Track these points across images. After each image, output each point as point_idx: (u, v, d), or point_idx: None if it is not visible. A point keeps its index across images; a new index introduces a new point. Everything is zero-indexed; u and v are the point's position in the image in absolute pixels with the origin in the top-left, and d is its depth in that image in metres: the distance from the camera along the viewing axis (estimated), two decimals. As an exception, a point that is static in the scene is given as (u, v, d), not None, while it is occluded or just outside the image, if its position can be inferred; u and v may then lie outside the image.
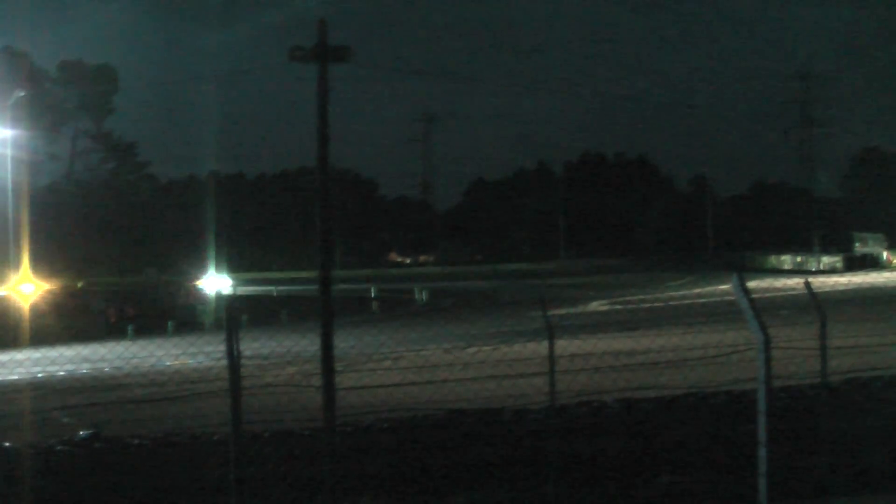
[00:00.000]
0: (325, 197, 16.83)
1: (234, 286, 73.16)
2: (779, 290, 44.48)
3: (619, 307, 52.26)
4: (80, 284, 65.69)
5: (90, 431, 16.88)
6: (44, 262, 70.57)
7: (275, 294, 73.63)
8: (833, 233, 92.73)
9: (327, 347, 16.36)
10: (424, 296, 68.98)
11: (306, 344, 20.86)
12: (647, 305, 51.18)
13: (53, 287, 54.60)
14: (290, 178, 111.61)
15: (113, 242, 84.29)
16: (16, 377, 30.89)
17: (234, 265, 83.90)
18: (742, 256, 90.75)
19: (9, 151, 58.94)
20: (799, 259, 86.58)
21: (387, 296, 70.21)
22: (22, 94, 63.28)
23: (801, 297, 18.02)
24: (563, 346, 18.74)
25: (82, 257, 76.92)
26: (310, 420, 15.71)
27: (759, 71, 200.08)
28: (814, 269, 78.09)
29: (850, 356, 19.77)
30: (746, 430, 9.21)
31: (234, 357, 8.96)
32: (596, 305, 54.85)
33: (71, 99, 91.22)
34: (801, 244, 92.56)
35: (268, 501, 10.74)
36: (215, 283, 68.00)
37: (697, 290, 61.41)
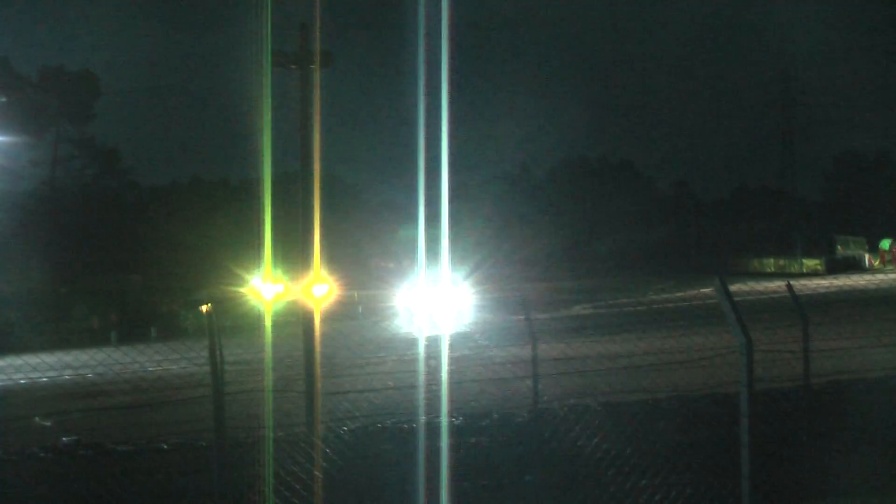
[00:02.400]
0: (309, 202, 16.83)
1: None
2: (761, 293, 44.59)
3: (602, 311, 52.34)
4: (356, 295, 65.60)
5: (73, 437, 16.82)
6: (27, 266, 70.36)
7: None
8: (815, 236, 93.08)
9: (310, 353, 16.35)
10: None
11: (290, 349, 20.84)
12: (630, 309, 51.24)
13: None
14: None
15: (95, 248, 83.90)
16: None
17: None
18: (724, 260, 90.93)
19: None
20: (781, 262, 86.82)
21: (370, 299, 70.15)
22: (3, 99, 63.04)
23: (783, 300, 18.09)
24: (547, 349, 18.81)
25: (63, 264, 76.55)
26: (292, 426, 15.68)
27: (740, 74, 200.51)
28: (796, 272, 78.33)
29: (832, 359, 19.82)
30: (729, 432, 9.23)
31: (216, 363, 8.93)
32: (579, 309, 54.91)
33: (52, 105, 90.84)
34: (783, 247, 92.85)
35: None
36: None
37: (680, 294, 61.52)
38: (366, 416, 17.51)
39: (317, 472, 11.43)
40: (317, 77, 16.45)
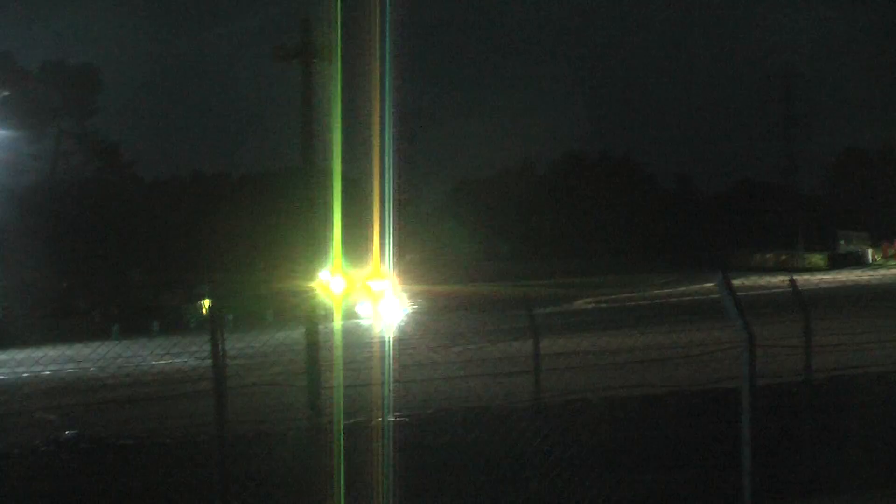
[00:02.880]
0: (311, 197, 16.83)
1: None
2: (763, 288, 44.59)
3: (603, 305, 52.35)
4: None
5: (75, 432, 16.83)
6: (32, 262, 70.34)
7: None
8: (818, 231, 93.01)
9: (312, 347, 16.36)
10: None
11: (291, 343, 20.83)
12: (632, 304, 51.25)
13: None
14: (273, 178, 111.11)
15: (97, 243, 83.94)
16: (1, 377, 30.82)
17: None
18: (726, 254, 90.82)
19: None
20: (783, 257, 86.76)
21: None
22: (5, 93, 63.04)
23: (785, 295, 18.09)
24: (548, 344, 18.81)
25: (64, 258, 76.58)
26: (294, 420, 15.69)
27: (743, 68, 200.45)
28: (798, 267, 78.27)
29: (834, 354, 19.81)
30: (730, 428, 9.22)
31: (218, 357, 8.92)
32: (581, 304, 54.92)
33: (53, 99, 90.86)
34: (785, 242, 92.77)
35: (252, 501, 10.71)
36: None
37: (682, 289, 61.51)
38: (364, 410, 17.51)
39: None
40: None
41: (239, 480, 10.73)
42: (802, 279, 21.52)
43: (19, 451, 15.15)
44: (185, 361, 29.42)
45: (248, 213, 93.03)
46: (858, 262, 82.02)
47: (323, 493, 10.88)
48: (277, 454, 13.34)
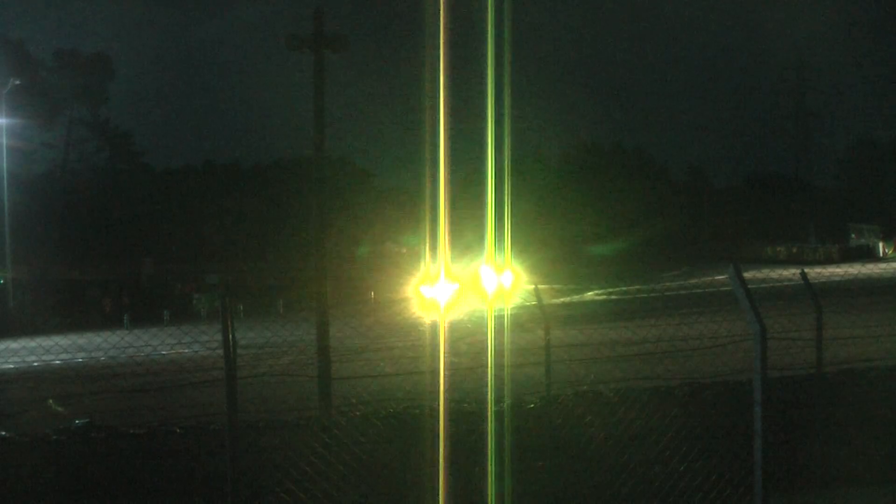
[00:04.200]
0: (322, 186, 16.83)
1: None
2: (774, 280, 44.50)
3: (614, 297, 52.27)
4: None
5: (85, 420, 16.84)
6: (43, 250, 70.44)
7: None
8: (829, 224, 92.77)
9: (323, 337, 16.36)
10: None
11: (301, 333, 20.84)
12: (643, 295, 51.16)
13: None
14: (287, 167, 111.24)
15: (108, 232, 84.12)
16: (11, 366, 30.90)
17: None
18: (738, 247, 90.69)
19: (3, 140, 58.93)
20: (794, 250, 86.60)
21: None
22: (17, 82, 63.17)
23: (796, 287, 18.03)
24: (559, 335, 18.79)
25: (76, 247, 76.79)
26: (305, 409, 15.69)
27: (755, 60, 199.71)
28: (809, 260, 78.10)
29: (846, 347, 19.76)
30: (742, 420, 9.20)
31: (229, 346, 8.92)
32: (592, 295, 54.85)
33: (65, 87, 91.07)
34: (796, 235, 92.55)
35: (263, 491, 10.72)
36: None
37: (693, 281, 61.38)
38: (376, 400, 17.52)
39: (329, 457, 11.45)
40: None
41: (250, 469, 10.75)
42: (813, 272, 21.44)
43: (29, 440, 15.18)
44: (196, 351, 29.48)
45: (260, 202, 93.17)
46: (869, 255, 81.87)
47: (333, 482, 10.89)
48: (288, 443, 13.34)
